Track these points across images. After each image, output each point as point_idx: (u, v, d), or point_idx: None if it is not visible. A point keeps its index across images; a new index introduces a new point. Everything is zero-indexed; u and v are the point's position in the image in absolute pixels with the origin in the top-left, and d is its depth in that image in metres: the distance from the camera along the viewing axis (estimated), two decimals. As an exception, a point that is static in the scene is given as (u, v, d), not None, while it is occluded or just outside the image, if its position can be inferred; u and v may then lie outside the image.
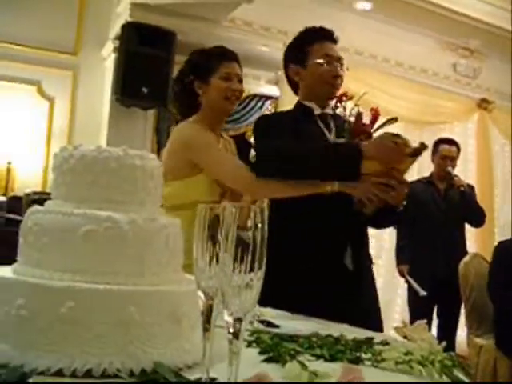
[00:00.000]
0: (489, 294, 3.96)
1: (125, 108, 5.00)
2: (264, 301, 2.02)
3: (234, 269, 0.81)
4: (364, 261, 2.27)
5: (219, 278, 0.84)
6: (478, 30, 6.19)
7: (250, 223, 0.81)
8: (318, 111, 2.33)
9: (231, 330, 0.82)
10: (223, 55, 2.46)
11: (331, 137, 2.29)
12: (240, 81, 2.45)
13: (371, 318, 2.19)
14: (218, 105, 2.42)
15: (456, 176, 4.64)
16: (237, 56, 2.51)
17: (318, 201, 2.10)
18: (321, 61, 2.30)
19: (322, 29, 2.38)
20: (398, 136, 2.02)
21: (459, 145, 4.82)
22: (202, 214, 0.93)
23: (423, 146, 2.01)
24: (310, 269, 2.15)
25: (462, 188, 4.55)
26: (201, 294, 0.93)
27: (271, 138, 2.22)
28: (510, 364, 3.66)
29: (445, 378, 1.24)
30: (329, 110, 2.33)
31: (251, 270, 0.81)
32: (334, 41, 2.37)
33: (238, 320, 0.82)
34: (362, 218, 2.20)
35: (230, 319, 0.82)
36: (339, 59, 2.32)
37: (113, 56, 5.07)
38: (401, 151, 1.98)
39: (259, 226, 0.82)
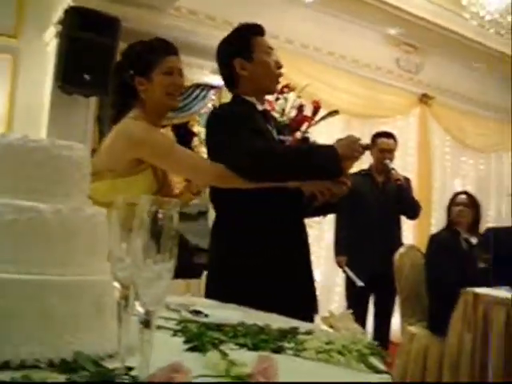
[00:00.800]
0: (428, 285, 4.12)
1: (66, 95, 4.91)
2: (214, 295, 2.10)
3: (145, 260, 0.83)
4: (308, 253, 2.32)
5: (131, 269, 0.86)
6: (420, 27, 6.31)
7: (161, 215, 0.83)
8: (260, 107, 2.37)
9: (142, 320, 0.84)
10: (165, 49, 2.38)
11: (274, 134, 2.33)
12: (181, 75, 2.40)
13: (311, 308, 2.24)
14: (162, 101, 2.34)
15: (393, 169, 4.74)
16: (177, 49, 2.44)
17: (268, 196, 2.17)
18: (268, 51, 2.37)
19: (257, 24, 2.42)
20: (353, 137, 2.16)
21: (396, 138, 4.93)
22: (117, 206, 0.94)
23: (369, 145, 2.23)
24: (259, 265, 2.20)
25: (398, 182, 4.66)
26: (117, 284, 0.95)
27: (239, 135, 2.20)
28: (440, 351, 3.81)
29: (362, 366, 1.29)
30: (266, 107, 2.38)
31: (162, 260, 0.83)
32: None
33: (149, 310, 0.84)
34: (309, 210, 2.27)
35: (141, 310, 0.84)
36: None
37: (55, 41, 4.97)
38: (359, 150, 2.11)
39: (170, 217, 0.84)
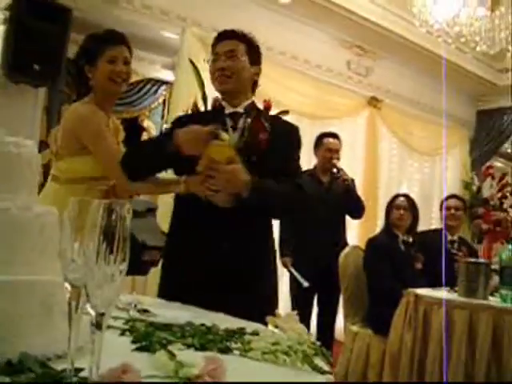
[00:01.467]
0: (368, 288, 4.21)
1: (14, 84, 4.79)
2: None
3: (97, 261, 0.83)
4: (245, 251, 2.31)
5: (83, 271, 0.86)
6: (371, 31, 6.42)
7: (113, 216, 0.84)
8: (228, 110, 2.39)
9: (93, 322, 0.85)
10: (110, 39, 2.60)
11: (235, 135, 2.32)
12: (126, 63, 2.61)
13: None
14: (104, 86, 2.59)
15: (341, 170, 4.81)
16: (125, 38, 2.65)
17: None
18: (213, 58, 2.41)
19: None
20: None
21: (341, 138, 4.99)
22: (70, 206, 0.94)
23: (214, 129, 2.15)
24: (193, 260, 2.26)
25: (346, 182, 4.73)
26: (67, 285, 0.94)
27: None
28: (382, 349, 3.90)
29: (306, 367, 1.32)
30: (240, 109, 2.38)
31: (114, 262, 0.84)
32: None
33: (101, 312, 0.84)
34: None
35: (92, 311, 0.85)
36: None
37: (2, 27, 4.83)
38: (196, 139, 2.15)
39: (122, 218, 0.85)
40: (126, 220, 0.85)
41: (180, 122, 2.48)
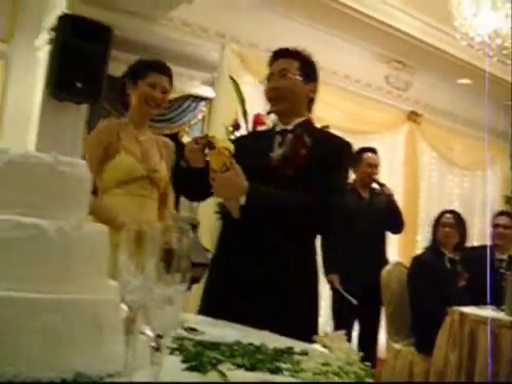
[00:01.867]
0: (411, 306, 4.14)
1: (57, 102, 4.89)
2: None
3: (157, 283, 0.82)
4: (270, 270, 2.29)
5: (142, 292, 0.86)
6: (410, 45, 6.36)
7: (173, 239, 0.83)
8: (279, 128, 2.41)
9: (153, 344, 0.84)
10: (155, 66, 2.94)
11: (279, 151, 2.32)
12: (164, 92, 2.93)
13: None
14: (139, 106, 2.93)
15: (384, 184, 4.76)
16: (168, 70, 2.98)
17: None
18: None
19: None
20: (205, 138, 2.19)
21: (378, 154, 4.94)
22: (127, 228, 0.94)
23: (204, 137, 2.18)
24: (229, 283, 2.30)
25: (391, 197, 4.68)
26: (124, 306, 0.94)
27: None
28: (425, 368, 3.83)
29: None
30: (290, 127, 2.37)
31: (174, 283, 0.83)
32: None
33: (160, 335, 0.83)
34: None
35: (151, 334, 0.84)
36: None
37: (47, 47, 4.94)
38: (193, 150, 2.20)
39: (182, 240, 0.85)
40: (185, 241, 0.84)
41: (234, 142, 2.51)
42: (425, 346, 3.85)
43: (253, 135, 2.85)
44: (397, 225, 4.86)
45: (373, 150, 4.89)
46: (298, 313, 2.25)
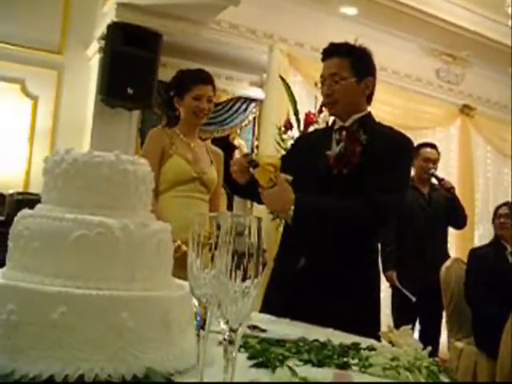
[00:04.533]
0: (467, 300, 4.03)
1: (109, 108, 4.98)
2: None
3: (231, 277, 0.81)
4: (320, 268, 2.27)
5: (215, 286, 0.85)
6: (461, 37, 6.23)
7: (246, 231, 0.82)
8: (337, 125, 2.39)
9: (227, 338, 0.83)
10: (198, 78, 3.05)
11: (336, 149, 2.31)
12: (209, 101, 3.05)
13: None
14: (188, 118, 3.06)
15: (443, 179, 4.67)
16: (211, 78, 3.09)
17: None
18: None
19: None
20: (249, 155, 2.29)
21: (439, 149, 4.86)
22: (196, 222, 0.93)
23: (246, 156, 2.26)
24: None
25: (452, 190, 4.59)
26: (195, 300, 0.93)
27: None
28: (490, 367, 3.71)
29: (431, 384, 1.26)
30: (348, 124, 2.33)
31: (247, 277, 0.82)
32: None
33: (234, 327, 0.82)
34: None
35: (225, 327, 0.83)
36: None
37: (98, 56, 5.04)
38: (236, 167, 2.29)
39: (255, 233, 0.83)
40: (258, 233, 0.83)
41: (297, 141, 2.63)
42: (488, 345, 3.73)
43: (315, 133, 2.82)
44: (460, 219, 4.75)
45: (431, 145, 4.80)
46: (359, 310, 2.21)
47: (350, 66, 2.32)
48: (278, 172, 2.14)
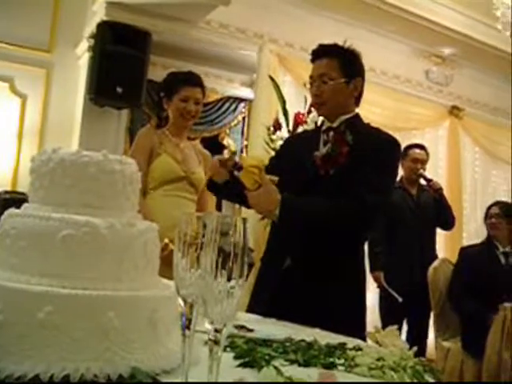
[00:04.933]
0: (449, 299, 4.05)
1: (98, 107, 4.95)
2: None
3: (216, 277, 0.82)
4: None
5: (200, 286, 0.85)
6: (450, 39, 6.27)
7: (231, 232, 0.82)
8: (325, 126, 2.40)
9: (212, 338, 0.83)
10: (187, 80, 3.07)
11: (324, 150, 2.31)
12: (197, 103, 3.07)
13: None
14: (176, 120, 3.09)
15: (431, 180, 4.69)
16: (200, 80, 3.12)
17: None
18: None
19: None
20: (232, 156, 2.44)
21: (428, 150, 4.88)
22: (182, 221, 0.94)
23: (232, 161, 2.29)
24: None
25: (440, 191, 4.61)
26: (180, 300, 0.94)
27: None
28: (476, 367, 3.73)
29: (416, 384, 1.27)
30: (335, 125, 2.34)
31: (232, 278, 0.82)
32: None
33: (219, 327, 0.83)
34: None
35: (210, 327, 0.83)
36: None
37: (87, 55, 5.02)
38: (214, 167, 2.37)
39: (240, 234, 0.83)
40: (242, 233, 0.83)
41: (286, 141, 2.67)
42: (473, 346, 3.75)
43: (303, 135, 2.84)
44: (448, 220, 4.78)
45: (420, 146, 4.83)
46: (344, 311, 2.21)
47: (339, 67, 2.33)
48: (263, 173, 2.16)
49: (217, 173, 2.35)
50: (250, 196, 2.18)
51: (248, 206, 2.32)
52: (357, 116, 2.40)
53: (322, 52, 2.38)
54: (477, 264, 4.06)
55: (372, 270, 4.42)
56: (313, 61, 2.40)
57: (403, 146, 4.85)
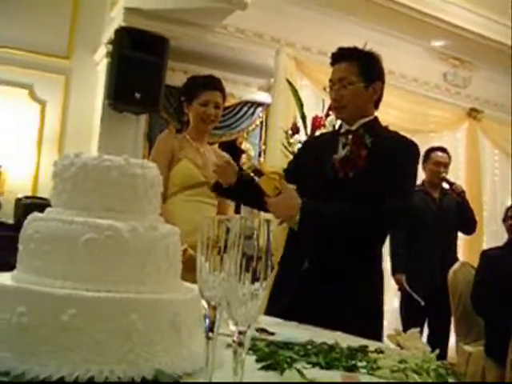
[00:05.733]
0: (472, 303, 4.00)
1: (117, 113, 4.99)
2: None
3: (240, 279, 0.82)
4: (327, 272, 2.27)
5: (224, 289, 0.86)
6: (468, 41, 6.23)
7: (254, 234, 0.83)
8: (343, 129, 2.40)
9: (236, 340, 0.84)
10: (206, 84, 3.08)
11: (342, 152, 2.31)
12: (217, 107, 3.08)
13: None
14: (196, 124, 3.10)
15: (454, 183, 4.66)
16: (220, 84, 3.12)
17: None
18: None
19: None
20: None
21: (449, 153, 4.85)
22: (205, 224, 0.94)
23: (253, 168, 2.34)
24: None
25: (462, 194, 4.58)
26: (204, 303, 0.94)
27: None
28: (499, 372, 3.68)
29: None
30: (354, 128, 2.34)
31: (256, 280, 0.82)
32: None
33: (243, 329, 0.83)
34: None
35: (234, 328, 0.83)
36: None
37: (105, 61, 5.06)
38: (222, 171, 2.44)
39: (264, 236, 0.84)
40: (267, 236, 0.84)
41: (304, 145, 2.68)
42: (495, 350, 3.71)
43: (321, 138, 2.83)
44: (469, 225, 4.74)
45: (442, 149, 4.80)
46: (362, 314, 2.21)
47: (359, 71, 2.33)
48: (283, 180, 2.16)
49: (223, 175, 2.39)
50: (270, 202, 2.19)
51: (265, 210, 2.33)
52: (375, 119, 2.39)
53: (342, 56, 2.38)
54: (499, 267, 4.00)
55: (394, 273, 4.40)
56: (332, 64, 2.40)
57: (423, 149, 4.83)
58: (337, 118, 2.48)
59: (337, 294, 2.21)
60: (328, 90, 2.41)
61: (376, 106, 2.42)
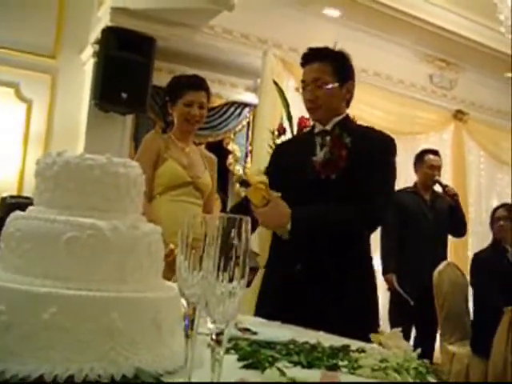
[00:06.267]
0: (473, 305, 4.03)
1: (103, 113, 4.98)
2: None
3: (218, 278, 0.82)
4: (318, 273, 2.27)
5: (202, 287, 0.86)
6: (454, 43, 6.27)
7: (232, 233, 0.83)
8: (318, 129, 2.40)
9: (214, 338, 0.84)
10: (190, 84, 3.04)
11: (321, 154, 2.31)
12: (201, 107, 3.04)
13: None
14: (181, 124, 3.07)
15: (447, 185, 4.69)
16: (204, 84, 3.09)
17: None
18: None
19: None
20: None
21: (440, 155, 4.89)
22: (185, 223, 0.94)
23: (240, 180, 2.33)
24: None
25: (456, 197, 4.60)
26: (183, 301, 0.94)
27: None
28: (483, 371, 3.72)
29: (419, 385, 1.27)
30: (328, 127, 2.35)
31: (234, 278, 0.83)
32: None
33: (221, 327, 0.83)
34: None
35: (212, 327, 0.84)
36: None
37: (92, 60, 5.05)
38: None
39: (243, 235, 0.84)
40: (245, 235, 0.84)
41: (277, 149, 2.66)
42: (482, 347, 3.74)
43: (295, 139, 2.84)
44: (461, 227, 4.78)
45: (434, 152, 4.83)
46: (356, 314, 2.21)
47: (332, 71, 2.35)
48: (268, 188, 2.16)
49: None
50: (259, 213, 2.16)
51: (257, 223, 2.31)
52: (347, 117, 2.42)
53: (314, 56, 2.39)
54: (490, 267, 4.04)
55: (384, 273, 4.42)
56: (304, 65, 2.41)
57: (409, 150, 4.90)
58: (312, 119, 2.47)
59: (329, 295, 2.21)
60: (301, 90, 2.41)
61: (347, 105, 2.44)
